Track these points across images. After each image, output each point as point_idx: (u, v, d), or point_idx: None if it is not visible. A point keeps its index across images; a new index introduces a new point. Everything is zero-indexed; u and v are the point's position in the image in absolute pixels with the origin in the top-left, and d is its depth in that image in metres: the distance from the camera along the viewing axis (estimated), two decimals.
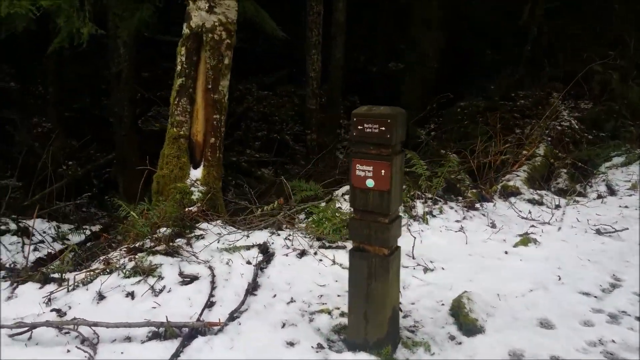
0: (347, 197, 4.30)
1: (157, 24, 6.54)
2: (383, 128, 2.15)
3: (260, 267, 2.92)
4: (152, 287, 2.72)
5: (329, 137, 8.19)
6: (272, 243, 3.26)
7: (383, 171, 2.13)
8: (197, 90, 4.29)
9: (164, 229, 3.45)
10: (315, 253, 3.11)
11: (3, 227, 4.38)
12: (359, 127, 2.20)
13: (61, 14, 4.81)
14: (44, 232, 4.53)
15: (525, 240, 3.46)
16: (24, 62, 10.21)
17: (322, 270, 2.92)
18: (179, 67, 4.27)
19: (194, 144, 4.30)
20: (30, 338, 2.41)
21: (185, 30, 4.23)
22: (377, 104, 2.32)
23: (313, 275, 2.86)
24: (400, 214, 2.89)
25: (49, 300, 2.76)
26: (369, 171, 2.17)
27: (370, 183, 2.17)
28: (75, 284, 2.88)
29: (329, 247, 3.20)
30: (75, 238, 4.71)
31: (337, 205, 4.13)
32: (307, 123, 8.26)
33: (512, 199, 4.44)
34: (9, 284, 3.05)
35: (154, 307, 2.57)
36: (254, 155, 9.05)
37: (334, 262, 3.00)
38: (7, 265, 3.84)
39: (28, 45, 9.43)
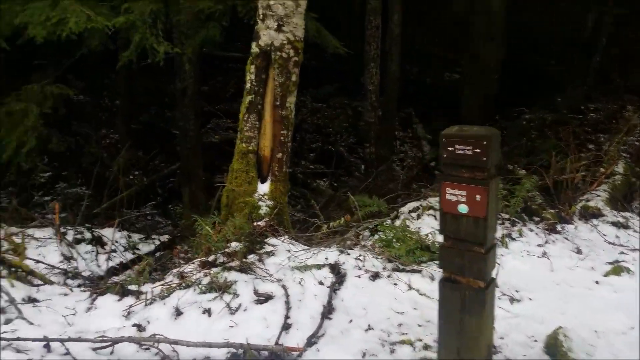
0: (414, 214, 4.17)
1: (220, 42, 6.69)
2: (478, 150, 2.03)
3: (334, 289, 2.85)
4: (228, 305, 2.71)
5: (385, 150, 8.06)
6: (343, 263, 3.18)
7: (478, 196, 2.01)
8: (265, 107, 4.32)
9: (235, 243, 3.46)
10: (389, 276, 3.01)
11: (79, 236, 4.57)
12: (449, 149, 2.09)
13: (135, 30, 5.01)
14: (116, 242, 4.68)
15: (617, 269, 3.19)
16: (94, 76, 10.79)
17: (398, 295, 2.81)
18: (248, 85, 4.32)
19: (261, 158, 4.32)
20: (112, 352, 2.45)
21: (254, 49, 4.28)
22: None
23: (389, 300, 2.75)
24: None
25: (129, 313, 2.81)
26: (461, 196, 2.05)
27: (463, 209, 2.05)
28: (153, 297, 2.92)
29: (403, 270, 3.08)
30: (144, 248, 4.84)
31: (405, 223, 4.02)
32: (365, 136, 8.18)
33: (594, 221, 4.13)
34: (88, 295, 3.15)
35: (231, 327, 2.55)
36: (308, 167, 9.06)
37: (410, 288, 2.88)
38: (84, 274, 3.98)
39: (97, 60, 9.97)
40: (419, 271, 3.06)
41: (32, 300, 3.06)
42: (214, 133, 10.68)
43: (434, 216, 4.02)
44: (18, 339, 2.39)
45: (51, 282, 3.49)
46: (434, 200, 4.18)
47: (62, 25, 4.26)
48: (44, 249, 4.26)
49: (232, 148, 9.84)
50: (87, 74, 10.60)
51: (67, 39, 4.74)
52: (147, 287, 3.12)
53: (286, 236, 3.78)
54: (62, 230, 4.53)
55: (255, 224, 3.87)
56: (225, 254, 3.33)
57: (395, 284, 2.91)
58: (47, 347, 2.41)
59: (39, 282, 3.49)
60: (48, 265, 3.91)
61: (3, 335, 2.44)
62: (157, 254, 4.74)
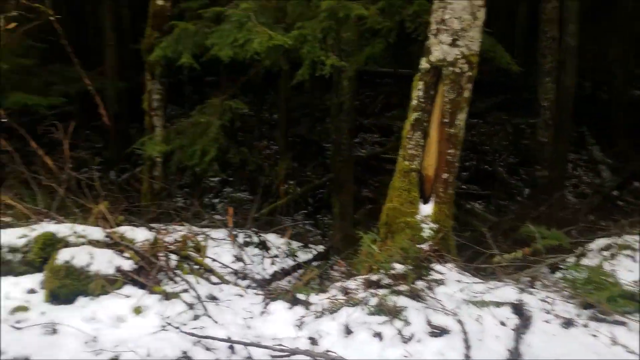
0: (606, 253, 3.59)
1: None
2: None
3: (519, 333, 2.54)
4: (400, 332, 2.61)
5: (556, 173, 7.22)
6: (527, 304, 2.83)
7: None
8: (431, 124, 4.16)
9: (399, 265, 3.35)
10: (586, 325, 2.59)
11: (248, 239, 4.93)
12: None
13: (305, 44, 5.23)
14: (278, 248, 4.93)
15: None
16: (257, 92, 11.81)
17: (600, 350, 2.39)
18: (414, 102, 4.21)
19: (424, 178, 4.17)
20: None
21: (424, 65, 4.16)
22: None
23: (588, 355, 2.36)
24: None
25: (301, 323, 2.88)
26: None
27: None
28: (322, 311, 2.96)
29: (603, 321, 2.63)
30: (302, 255, 5.02)
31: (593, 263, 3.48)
32: (533, 156, 7.46)
33: None
34: (261, 299, 3.33)
35: (406, 357, 2.43)
36: (460, 187, 8.59)
37: (614, 342, 2.43)
38: (252, 276, 4.23)
39: (259, 78, 10.91)
40: (622, 323, 2.58)
41: (213, 298, 3.33)
42: (360, 147, 10.86)
43: (632, 257, 3.41)
44: (207, 337, 2.59)
45: (227, 282, 3.78)
46: (631, 238, 3.56)
47: (247, 45, 4.66)
48: (218, 249, 4.67)
49: (378, 163, 9.83)
50: (251, 90, 11.68)
51: (244, 58, 5.20)
52: (314, 298, 3.19)
53: (452, 264, 3.55)
54: (233, 232, 4.93)
55: (417, 247, 3.72)
56: (390, 275, 3.24)
57: (595, 336, 2.49)
58: (232, 349, 2.57)
59: (217, 280, 3.81)
60: (222, 264, 4.26)
61: (194, 332, 2.67)
62: (315, 264, 4.88)
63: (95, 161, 5.58)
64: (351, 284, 3.38)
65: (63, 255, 3.03)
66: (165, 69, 6.54)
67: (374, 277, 3.32)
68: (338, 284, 3.49)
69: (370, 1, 5.21)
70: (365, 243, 3.72)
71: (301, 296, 3.21)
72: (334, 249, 5.48)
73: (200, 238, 4.35)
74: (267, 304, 3.20)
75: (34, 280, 3.09)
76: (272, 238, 5.10)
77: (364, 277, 3.40)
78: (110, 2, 8.80)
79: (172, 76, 8.48)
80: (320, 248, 5.32)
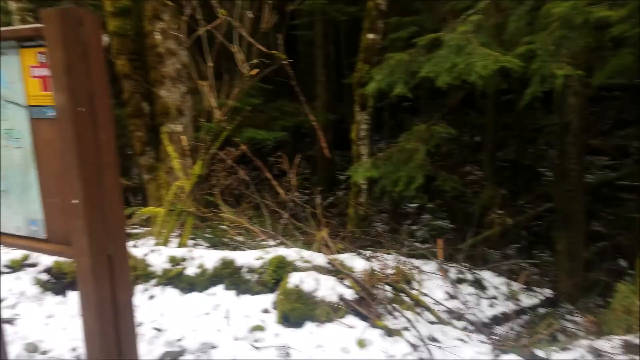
0: None
1: None
2: None
3: None
4: None
5: None
6: None
7: None
8: None
9: None
10: None
11: (461, 275, 4.57)
12: None
13: (534, 60, 4.68)
14: (496, 288, 4.43)
15: None
16: (456, 113, 11.33)
17: None
18: None
19: None
20: None
21: None
22: None
23: None
24: None
25: None
26: None
27: None
28: None
29: None
30: (525, 300, 4.40)
31: None
32: None
33: None
34: (489, 349, 2.96)
35: None
36: None
37: None
38: (469, 318, 3.86)
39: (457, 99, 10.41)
40: None
41: (434, 340, 3.09)
42: (586, 172, 9.33)
43: None
44: None
45: (446, 323, 3.50)
46: None
47: (468, 69, 4.38)
48: (428, 282, 4.42)
49: (610, 191, 8.26)
50: (449, 112, 11.25)
51: (464, 83, 4.90)
52: (555, 356, 2.69)
53: None
54: (444, 266, 4.62)
55: None
56: None
57: None
58: None
59: (432, 318, 3.56)
60: (435, 301, 3.98)
61: None
62: (541, 310, 4.23)
63: (316, 189, 5.96)
64: (604, 344, 2.76)
65: (294, 279, 3.22)
66: (375, 100, 6.72)
67: (637, 340, 2.64)
68: (584, 342, 2.89)
69: (610, 5, 4.42)
70: (620, 295, 3.02)
71: (539, 352, 2.74)
72: (564, 294, 4.68)
73: (411, 270, 4.20)
74: (497, 356, 2.83)
75: (267, 300, 3.35)
76: (487, 276, 4.63)
77: (620, 337, 2.74)
78: (322, 42, 9.63)
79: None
80: (548, 292, 4.59)
